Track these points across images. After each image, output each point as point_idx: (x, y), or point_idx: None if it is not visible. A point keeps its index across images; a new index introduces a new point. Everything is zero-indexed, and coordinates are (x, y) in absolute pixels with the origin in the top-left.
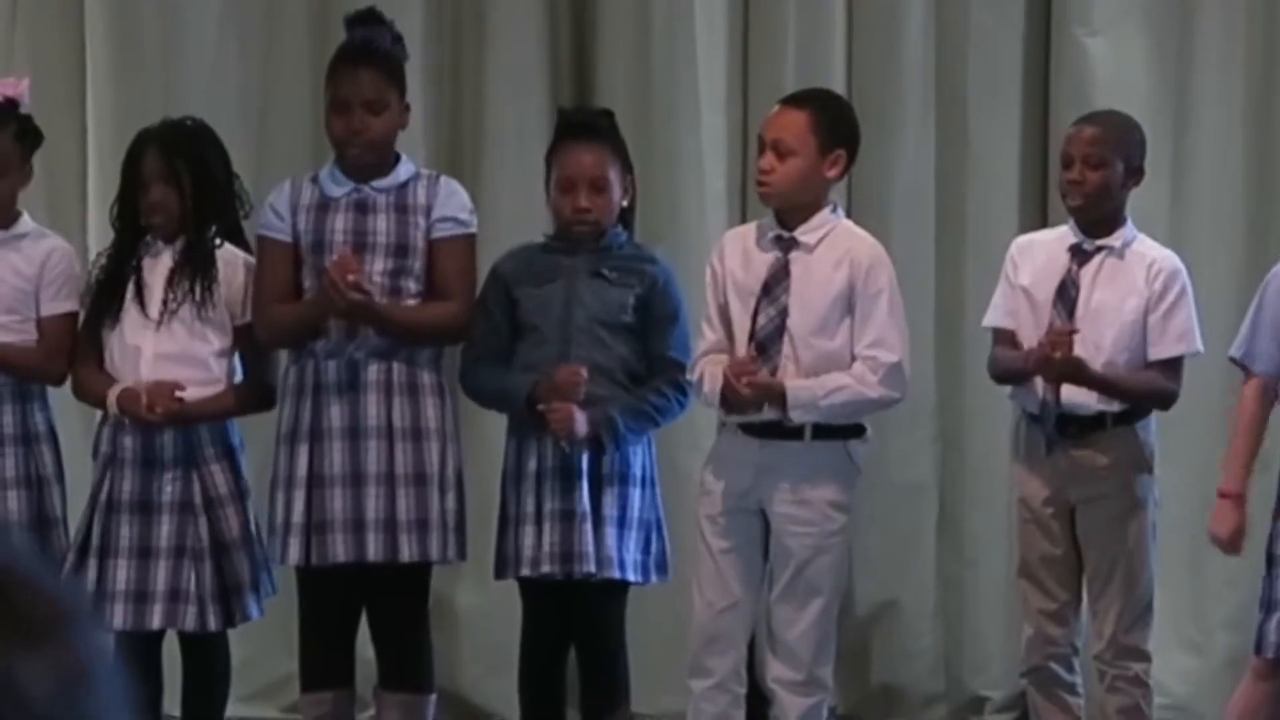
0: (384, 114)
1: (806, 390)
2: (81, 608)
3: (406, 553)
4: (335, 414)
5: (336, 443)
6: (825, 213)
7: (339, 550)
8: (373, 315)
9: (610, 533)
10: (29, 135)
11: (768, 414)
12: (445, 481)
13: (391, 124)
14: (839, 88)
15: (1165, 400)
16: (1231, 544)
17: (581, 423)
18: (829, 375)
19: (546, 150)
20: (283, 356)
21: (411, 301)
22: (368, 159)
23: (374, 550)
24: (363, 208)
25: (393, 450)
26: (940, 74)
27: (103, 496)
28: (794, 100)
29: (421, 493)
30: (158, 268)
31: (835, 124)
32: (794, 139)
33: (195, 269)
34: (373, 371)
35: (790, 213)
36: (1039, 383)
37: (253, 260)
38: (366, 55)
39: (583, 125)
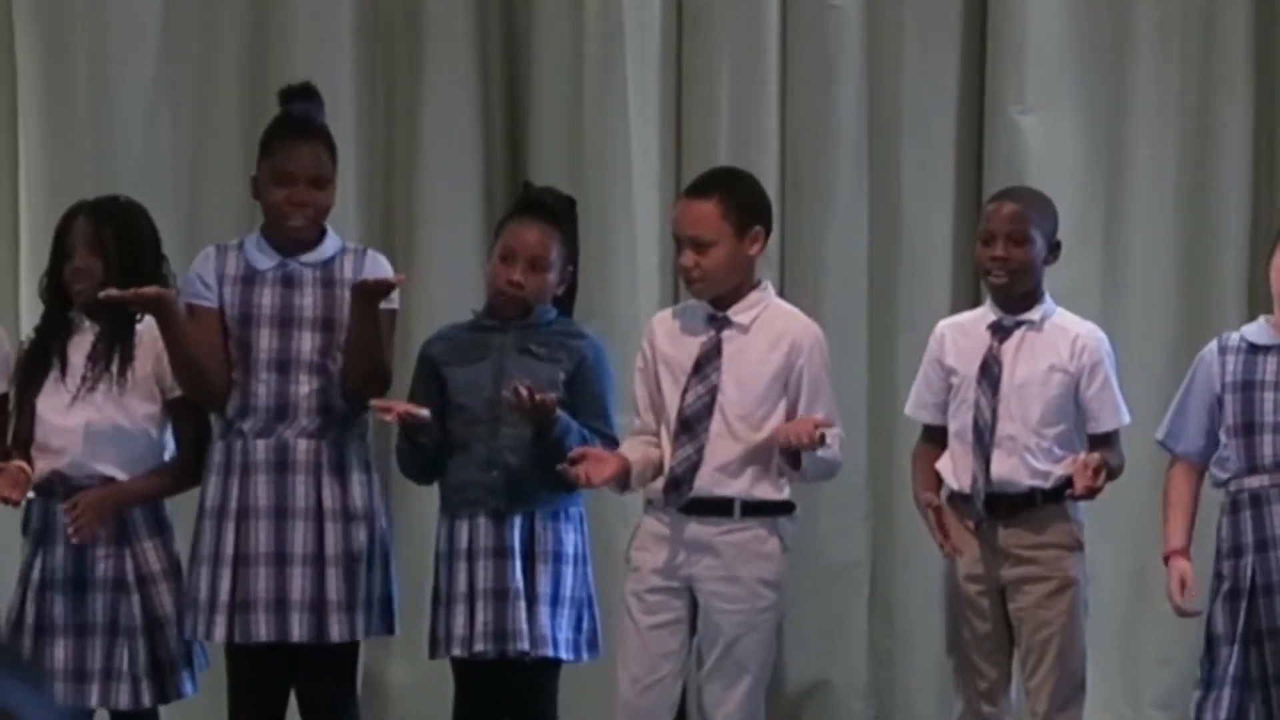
0: (326, 189)
1: None
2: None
3: (335, 633)
4: (262, 493)
5: (262, 521)
6: (757, 291)
7: (261, 629)
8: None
9: (544, 611)
10: None
11: (698, 492)
12: (373, 559)
13: (330, 198)
14: (772, 164)
15: (1117, 473)
16: (1179, 595)
17: (549, 395)
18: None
19: (500, 220)
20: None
21: (338, 380)
22: (308, 232)
23: (299, 630)
24: (289, 282)
25: (321, 530)
26: (874, 150)
27: (35, 574)
28: (697, 190)
29: (350, 571)
30: (81, 345)
31: (745, 203)
32: (709, 231)
33: (115, 344)
34: (302, 451)
35: (722, 294)
36: (969, 461)
37: None
38: (308, 130)
39: (540, 204)
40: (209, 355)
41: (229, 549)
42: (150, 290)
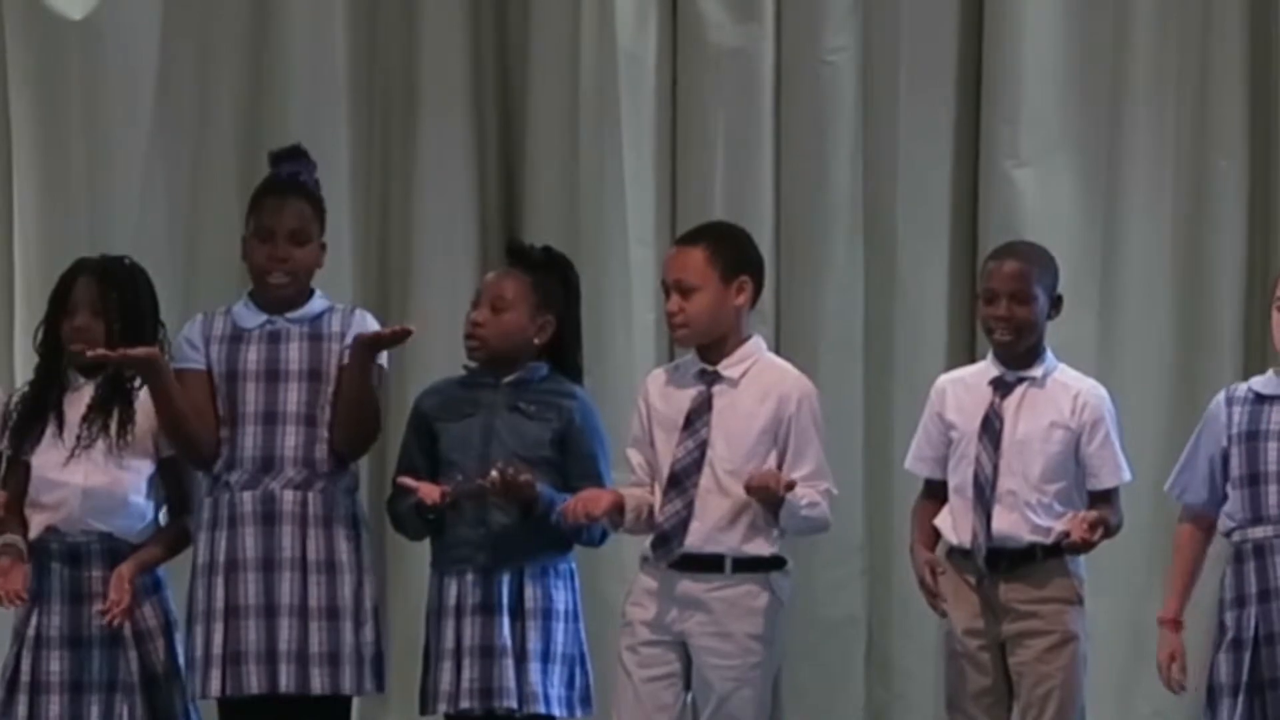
0: (307, 245)
1: (793, 496)
2: None
3: (318, 685)
4: (250, 545)
5: (250, 574)
6: (748, 345)
7: (252, 681)
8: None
9: (534, 667)
10: None
11: (688, 549)
12: (361, 614)
13: (313, 256)
14: (767, 221)
15: (1115, 531)
16: (1167, 669)
17: (530, 479)
18: (803, 489)
19: None
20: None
21: (324, 432)
22: (288, 289)
23: (286, 681)
24: (275, 338)
25: (306, 582)
26: (868, 206)
27: (30, 632)
28: (687, 238)
29: (334, 626)
30: (77, 402)
31: (733, 252)
32: (694, 276)
33: (114, 405)
34: (288, 502)
35: (711, 347)
36: (969, 517)
37: None
38: (292, 188)
39: (517, 251)
40: (197, 417)
41: (219, 603)
42: (140, 351)
